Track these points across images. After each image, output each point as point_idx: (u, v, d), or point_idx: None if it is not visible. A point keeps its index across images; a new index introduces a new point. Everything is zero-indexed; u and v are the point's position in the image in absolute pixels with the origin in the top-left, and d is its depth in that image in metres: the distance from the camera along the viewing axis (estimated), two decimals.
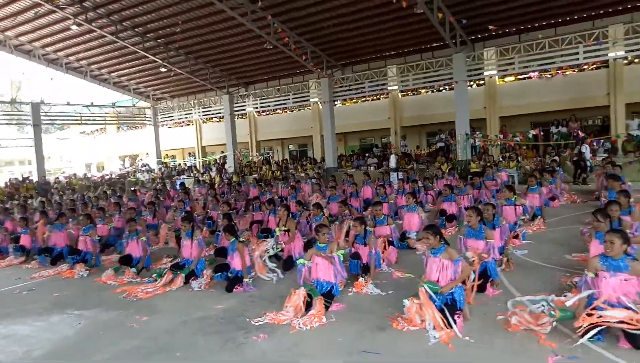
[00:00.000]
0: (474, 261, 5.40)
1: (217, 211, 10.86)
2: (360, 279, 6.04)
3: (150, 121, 30.35)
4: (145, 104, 30.27)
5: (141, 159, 33.47)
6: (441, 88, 21.63)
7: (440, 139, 21.18)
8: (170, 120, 30.62)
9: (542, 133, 17.81)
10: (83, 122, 29.39)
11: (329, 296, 5.33)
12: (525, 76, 19.83)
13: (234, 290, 6.22)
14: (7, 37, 21.87)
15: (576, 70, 18.85)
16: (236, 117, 26.57)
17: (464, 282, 4.96)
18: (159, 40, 20.65)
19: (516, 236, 7.76)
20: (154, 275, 6.99)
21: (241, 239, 6.89)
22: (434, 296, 4.61)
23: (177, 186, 18.02)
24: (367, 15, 16.83)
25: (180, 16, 17.85)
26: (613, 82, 17.64)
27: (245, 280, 6.36)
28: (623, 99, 17.46)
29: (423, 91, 22.59)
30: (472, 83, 20.45)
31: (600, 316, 3.96)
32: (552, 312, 4.23)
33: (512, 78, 20.35)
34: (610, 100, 17.77)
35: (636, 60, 17.43)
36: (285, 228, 7.69)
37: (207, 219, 11.13)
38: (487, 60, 18.42)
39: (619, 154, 15.50)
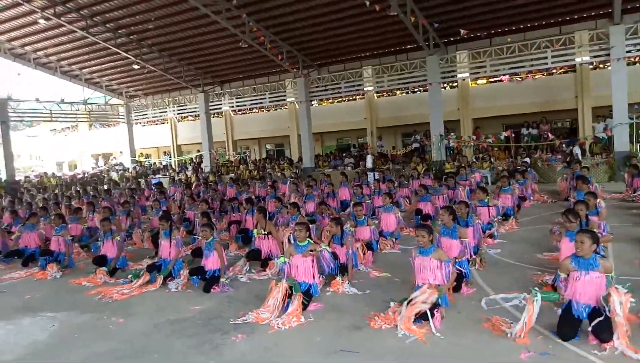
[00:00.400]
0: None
1: (194, 211, 10.76)
2: (338, 279, 6.09)
3: (123, 118, 29.67)
4: (119, 102, 29.59)
5: (114, 157, 32.72)
6: (415, 90, 21.94)
7: (415, 140, 21.46)
8: (145, 118, 29.99)
9: (513, 135, 18.27)
10: (53, 119, 28.56)
11: (307, 295, 5.38)
12: (496, 79, 20.32)
13: (212, 290, 6.19)
14: None
15: (545, 74, 19.43)
16: (212, 116, 26.28)
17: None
18: (131, 37, 20.20)
19: (490, 236, 7.98)
20: (129, 276, 6.86)
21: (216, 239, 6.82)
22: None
23: (152, 186, 17.72)
24: (343, 16, 16.91)
25: (153, 12, 17.49)
26: (580, 86, 18.30)
27: (222, 279, 6.33)
28: (590, 103, 18.12)
29: (398, 92, 22.90)
30: (445, 85, 20.80)
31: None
32: (535, 289, 4.45)
33: (484, 81, 20.83)
34: (578, 103, 18.42)
35: (601, 65, 18.06)
36: (265, 232, 7.63)
37: (184, 221, 10.99)
38: (460, 63, 18.77)
39: (587, 156, 16.02)
